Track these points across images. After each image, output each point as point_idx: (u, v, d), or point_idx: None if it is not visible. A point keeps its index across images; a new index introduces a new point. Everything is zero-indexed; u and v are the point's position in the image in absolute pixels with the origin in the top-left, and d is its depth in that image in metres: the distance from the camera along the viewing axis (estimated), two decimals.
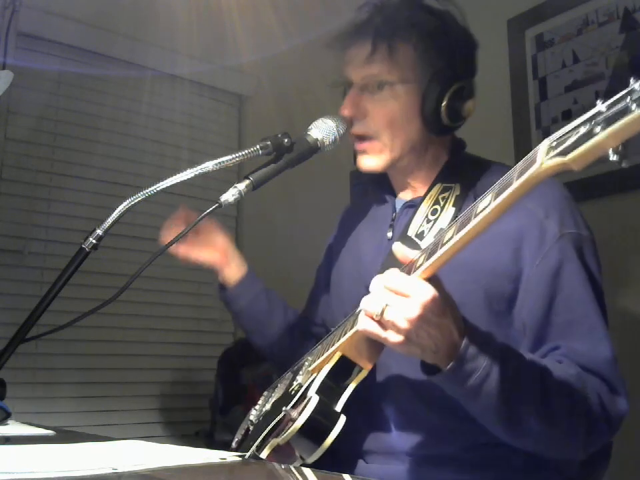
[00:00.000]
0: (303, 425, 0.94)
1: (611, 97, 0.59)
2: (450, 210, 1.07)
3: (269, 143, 1.10)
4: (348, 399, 0.99)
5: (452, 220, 1.04)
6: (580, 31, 2.07)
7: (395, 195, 1.21)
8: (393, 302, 0.82)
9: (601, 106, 0.59)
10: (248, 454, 1.00)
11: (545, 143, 0.66)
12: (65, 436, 1.10)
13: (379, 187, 1.24)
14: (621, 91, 0.58)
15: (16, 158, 2.20)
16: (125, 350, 2.35)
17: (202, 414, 2.43)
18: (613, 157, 0.58)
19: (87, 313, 1.12)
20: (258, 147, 1.10)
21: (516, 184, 0.69)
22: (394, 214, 1.18)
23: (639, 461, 1.57)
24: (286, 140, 1.11)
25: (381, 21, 1.10)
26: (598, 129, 0.58)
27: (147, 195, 1.07)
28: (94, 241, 1.08)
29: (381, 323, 0.83)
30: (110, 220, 1.08)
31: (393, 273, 0.85)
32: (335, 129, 1.14)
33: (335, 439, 0.94)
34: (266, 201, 2.33)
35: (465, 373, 0.85)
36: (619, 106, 0.57)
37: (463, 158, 1.17)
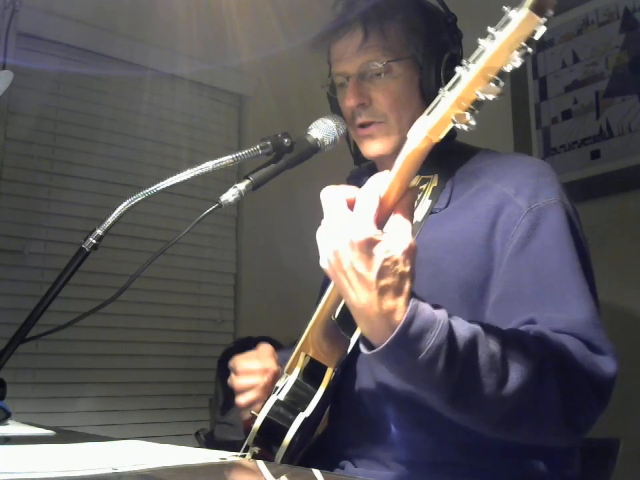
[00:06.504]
0: (260, 425, 0.96)
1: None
2: (426, 202, 1.04)
3: (269, 142, 1.10)
4: (322, 401, 0.99)
5: (427, 213, 1.03)
6: (580, 31, 2.07)
7: None
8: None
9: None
10: (248, 454, 1.00)
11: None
12: (65, 436, 1.10)
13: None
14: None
15: (16, 158, 2.19)
16: (125, 350, 2.34)
17: (202, 414, 2.43)
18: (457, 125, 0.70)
19: (86, 313, 1.13)
20: (258, 146, 1.10)
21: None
22: None
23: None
24: (286, 140, 1.11)
25: (367, 7, 1.09)
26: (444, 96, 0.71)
27: (147, 194, 1.07)
28: (94, 241, 1.09)
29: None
30: (110, 220, 1.08)
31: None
32: (334, 129, 1.14)
33: (318, 438, 0.92)
34: (266, 201, 2.33)
35: (418, 333, 0.74)
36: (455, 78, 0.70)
37: (446, 146, 1.14)
